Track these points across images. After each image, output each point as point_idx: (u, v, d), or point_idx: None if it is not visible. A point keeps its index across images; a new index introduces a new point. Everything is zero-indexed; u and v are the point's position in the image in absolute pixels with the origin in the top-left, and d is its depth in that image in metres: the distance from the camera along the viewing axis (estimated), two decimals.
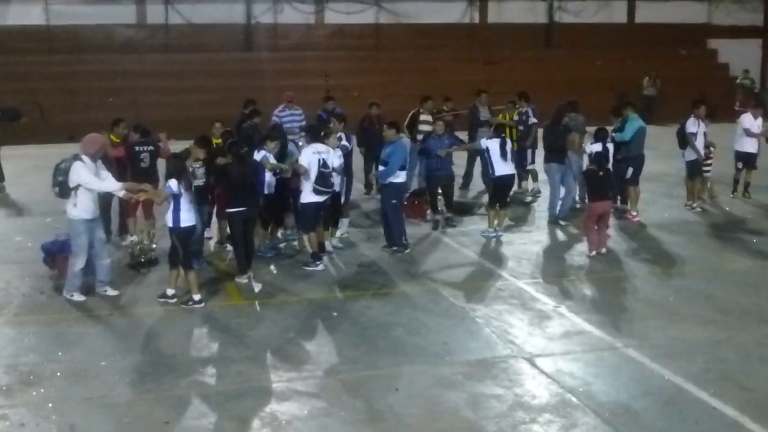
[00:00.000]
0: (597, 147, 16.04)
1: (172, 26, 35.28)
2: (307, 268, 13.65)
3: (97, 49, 34.14)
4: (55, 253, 12.89)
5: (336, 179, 14.03)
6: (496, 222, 15.81)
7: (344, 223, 15.64)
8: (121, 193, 12.66)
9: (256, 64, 33.97)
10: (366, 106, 19.57)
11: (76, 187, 11.78)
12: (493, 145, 15.56)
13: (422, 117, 18.89)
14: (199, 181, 13.18)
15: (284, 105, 20.05)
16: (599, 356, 10.12)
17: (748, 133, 18.92)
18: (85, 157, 11.87)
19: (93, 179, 11.84)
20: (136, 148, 14.70)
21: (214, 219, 14.73)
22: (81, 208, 11.88)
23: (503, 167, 15.59)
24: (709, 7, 40.17)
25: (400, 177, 14.65)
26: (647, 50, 38.11)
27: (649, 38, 38.46)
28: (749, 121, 19.09)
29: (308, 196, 13.49)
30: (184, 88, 32.85)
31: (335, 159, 13.98)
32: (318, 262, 13.68)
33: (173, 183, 11.76)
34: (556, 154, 16.92)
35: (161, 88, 32.78)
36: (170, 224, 11.89)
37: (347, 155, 15.39)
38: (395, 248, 14.56)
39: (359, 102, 23.29)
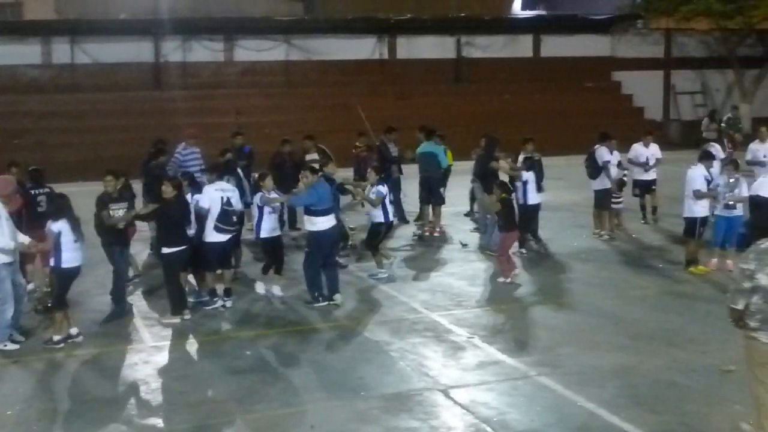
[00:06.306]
0: (529, 176, 16.60)
1: (79, 66, 34.80)
2: (206, 307, 13.38)
3: (1, 89, 33.50)
4: None
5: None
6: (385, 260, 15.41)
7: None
8: (25, 244, 11.80)
9: (166, 103, 33.69)
10: (278, 143, 19.49)
11: None
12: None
13: (308, 157, 18.71)
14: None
15: (185, 143, 18.58)
16: (513, 385, 10.17)
17: (634, 162, 19.61)
18: None
19: None
20: (32, 192, 13.82)
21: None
22: None
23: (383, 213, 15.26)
24: (612, 41, 41.19)
25: (317, 224, 13.52)
26: (554, 83, 38.89)
27: (555, 71, 39.22)
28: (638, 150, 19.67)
29: (210, 235, 13.33)
30: (93, 127, 32.48)
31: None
32: (216, 299, 13.49)
33: (56, 225, 11.45)
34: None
35: (69, 128, 32.33)
36: (52, 264, 11.66)
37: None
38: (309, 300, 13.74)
39: (271, 139, 23.23)
